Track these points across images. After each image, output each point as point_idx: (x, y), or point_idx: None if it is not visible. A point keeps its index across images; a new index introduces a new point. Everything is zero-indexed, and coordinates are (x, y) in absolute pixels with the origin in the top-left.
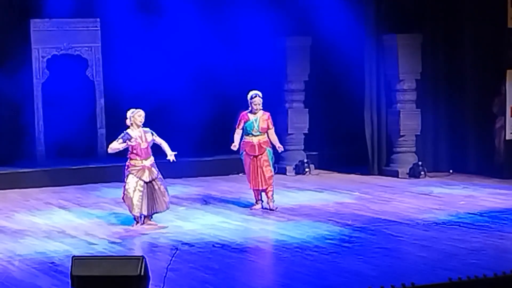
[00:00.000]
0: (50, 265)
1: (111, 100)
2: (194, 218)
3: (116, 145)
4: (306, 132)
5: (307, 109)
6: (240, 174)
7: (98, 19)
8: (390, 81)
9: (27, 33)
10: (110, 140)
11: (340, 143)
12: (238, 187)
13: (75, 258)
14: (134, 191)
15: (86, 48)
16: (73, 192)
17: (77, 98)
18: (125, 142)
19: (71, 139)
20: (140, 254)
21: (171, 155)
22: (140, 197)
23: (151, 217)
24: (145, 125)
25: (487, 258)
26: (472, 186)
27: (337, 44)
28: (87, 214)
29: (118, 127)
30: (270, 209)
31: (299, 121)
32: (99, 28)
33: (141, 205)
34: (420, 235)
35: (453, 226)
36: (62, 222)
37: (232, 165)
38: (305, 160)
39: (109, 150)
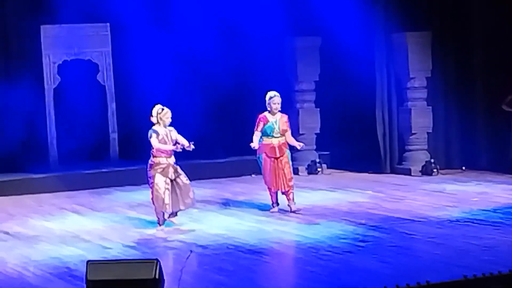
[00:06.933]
0: (65, 270)
1: (123, 104)
2: (208, 220)
3: (159, 144)
4: (318, 132)
5: (318, 109)
6: (253, 175)
7: (108, 24)
8: (400, 79)
9: (38, 39)
10: (122, 144)
11: (352, 142)
12: (252, 188)
13: (90, 263)
14: (165, 190)
15: (97, 53)
16: (86, 196)
17: (88, 103)
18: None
19: (84, 144)
20: (155, 257)
21: (189, 146)
22: (170, 196)
23: (176, 215)
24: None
25: (501, 255)
26: (485, 182)
27: (347, 43)
28: (101, 218)
29: (130, 131)
30: (292, 211)
31: (311, 121)
32: (109, 33)
33: (171, 203)
34: (434, 232)
35: (466, 223)
36: (76, 227)
37: (245, 166)
38: (317, 160)
39: (156, 149)
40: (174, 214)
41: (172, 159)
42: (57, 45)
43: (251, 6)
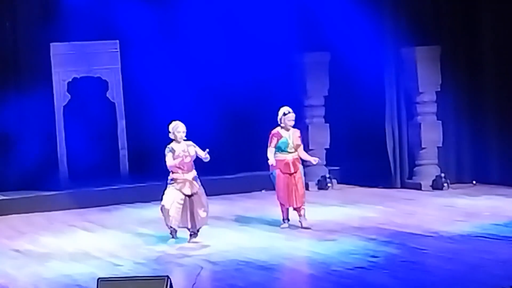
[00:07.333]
0: (76, 287)
1: (132, 121)
2: (218, 236)
3: (172, 162)
4: (328, 147)
5: (327, 124)
6: (263, 191)
7: (118, 41)
8: (410, 93)
9: (47, 57)
10: (132, 160)
11: (362, 157)
12: (262, 204)
13: (100, 280)
14: (172, 203)
15: (106, 70)
16: (97, 213)
17: (98, 120)
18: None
19: (94, 161)
20: (165, 274)
21: (205, 155)
22: (179, 210)
23: (196, 234)
24: (166, 143)
25: None
26: (496, 196)
27: (356, 58)
28: (111, 235)
29: (140, 147)
30: (303, 227)
31: (320, 136)
32: (118, 50)
33: (179, 218)
34: (445, 247)
35: (478, 238)
36: (86, 244)
37: (255, 182)
38: (327, 175)
39: (169, 167)
40: (194, 234)
41: (190, 175)
42: (67, 63)
43: (261, 22)
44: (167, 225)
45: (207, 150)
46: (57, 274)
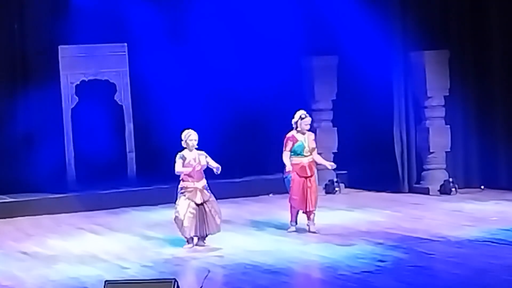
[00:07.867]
0: None
1: (140, 124)
2: (226, 240)
3: (181, 168)
4: (335, 151)
5: (335, 128)
6: (271, 195)
7: (126, 44)
8: (418, 98)
9: (56, 60)
10: (139, 163)
11: (370, 161)
12: (269, 208)
13: (107, 282)
14: (185, 213)
15: (114, 73)
16: (104, 216)
17: (106, 122)
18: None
19: (101, 164)
20: (172, 277)
21: (217, 168)
22: (191, 219)
23: (204, 239)
24: (175, 147)
25: None
26: (504, 201)
27: (364, 62)
28: (119, 238)
29: (147, 150)
30: (311, 232)
31: (328, 140)
32: (126, 53)
33: (192, 227)
34: (453, 252)
35: (485, 243)
36: (94, 247)
37: (262, 186)
38: (335, 179)
39: (177, 173)
40: (202, 238)
41: (201, 183)
42: (75, 65)
43: (269, 26)
44: (182, 234)
45: (220, 168)
46: (64, 276)
